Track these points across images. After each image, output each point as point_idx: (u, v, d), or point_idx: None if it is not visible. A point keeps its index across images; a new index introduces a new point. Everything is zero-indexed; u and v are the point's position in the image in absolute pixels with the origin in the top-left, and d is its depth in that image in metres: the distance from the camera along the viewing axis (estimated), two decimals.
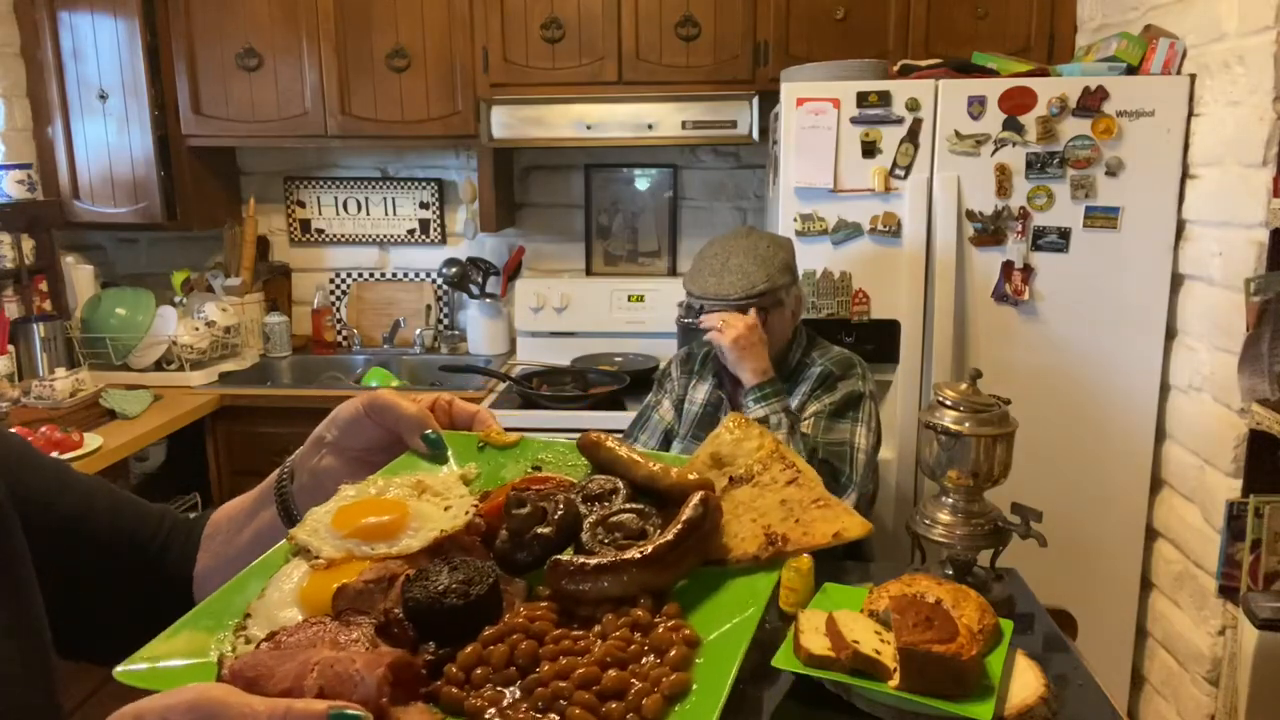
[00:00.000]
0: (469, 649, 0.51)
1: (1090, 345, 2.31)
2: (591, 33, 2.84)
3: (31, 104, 3.02)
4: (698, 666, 0.51)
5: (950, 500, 1.53)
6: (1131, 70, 2.26)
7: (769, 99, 2.67)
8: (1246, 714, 1.86)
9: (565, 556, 0.57)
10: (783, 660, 1.19)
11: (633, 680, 0.50)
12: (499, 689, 0.49)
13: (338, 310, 3.51)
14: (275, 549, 0.62)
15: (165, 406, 2.74)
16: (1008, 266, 2.31)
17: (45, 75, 2.97)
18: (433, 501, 0.65)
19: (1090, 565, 2.38)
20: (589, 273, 3.41)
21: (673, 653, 0.51)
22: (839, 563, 1.74)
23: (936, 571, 1.50)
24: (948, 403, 1.52)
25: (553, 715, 0.48)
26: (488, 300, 3.29)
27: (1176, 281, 2.26)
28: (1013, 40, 2.72)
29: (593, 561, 0.56)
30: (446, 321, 3.49)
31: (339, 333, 3.47)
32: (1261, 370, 1.86)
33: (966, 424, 1.49)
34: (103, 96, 2.97)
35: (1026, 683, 1.18)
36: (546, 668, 0.50)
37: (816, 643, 1.18)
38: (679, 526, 0.58)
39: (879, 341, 2.36)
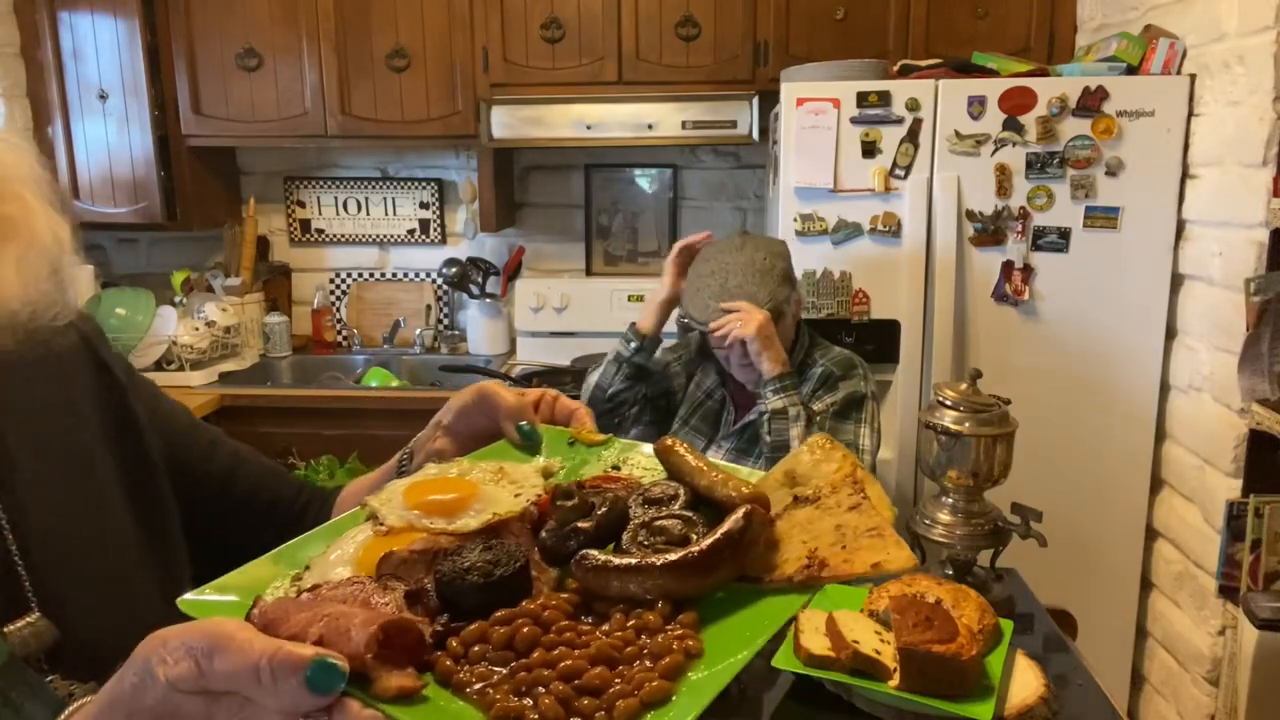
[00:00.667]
0: (474, 626, 0.53)
1: (1090, 345, 2.31)
2: (591, 33, 2.84)
3: (31, 104, 3.02)
4: (689, 680, 0.51)
5: (950, 500, 1.53)
6: (1131, 70, 2.26)
7: (769, 99, 2.67)
8: (1246, 714, 1.86)
9: (595, 552, 0.57)
10: (783, 660, 1.19)
11: (616, 680, 0.50)
12: (491, 667, 0.51)
13: (338, 310, 3.51)
14: (351, 513, 0.66)
15: None
16: (1008, 266, 2.31)
17: (45, 75, 2.96)
18: (507, 488, 0.68)
19: (1090, 565, 2.38)
20: (589, 273, 3.41)
21: (666, 660, 0.51)
22: None
23: (936, 571, 1.50)
24: (948, 403, 1.52)
25: (527, 700, 0.48)
26: (488, 300, 3.29)
27: (1176, 281, 2.26)
28: (1013, 40, 2.72)
29: (616, 561, 0.56)
30: (446, 321, 3.49)
31: (339, 333, 3.47)
32: (1261, 370, 1.86)
33: (966, 424, 1.49)
34: (103, 96, 2.97)
35: (1026, 683, 1.18)
36: (536, 654, 0.51)
37: (816, 643, 1.18)
38: (715, 538, 0.58)
39: (879, 341, 2.36)
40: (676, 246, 2.09)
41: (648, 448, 0.75)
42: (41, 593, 0.70)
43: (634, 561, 0.56)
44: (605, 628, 0.54)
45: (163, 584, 0.78)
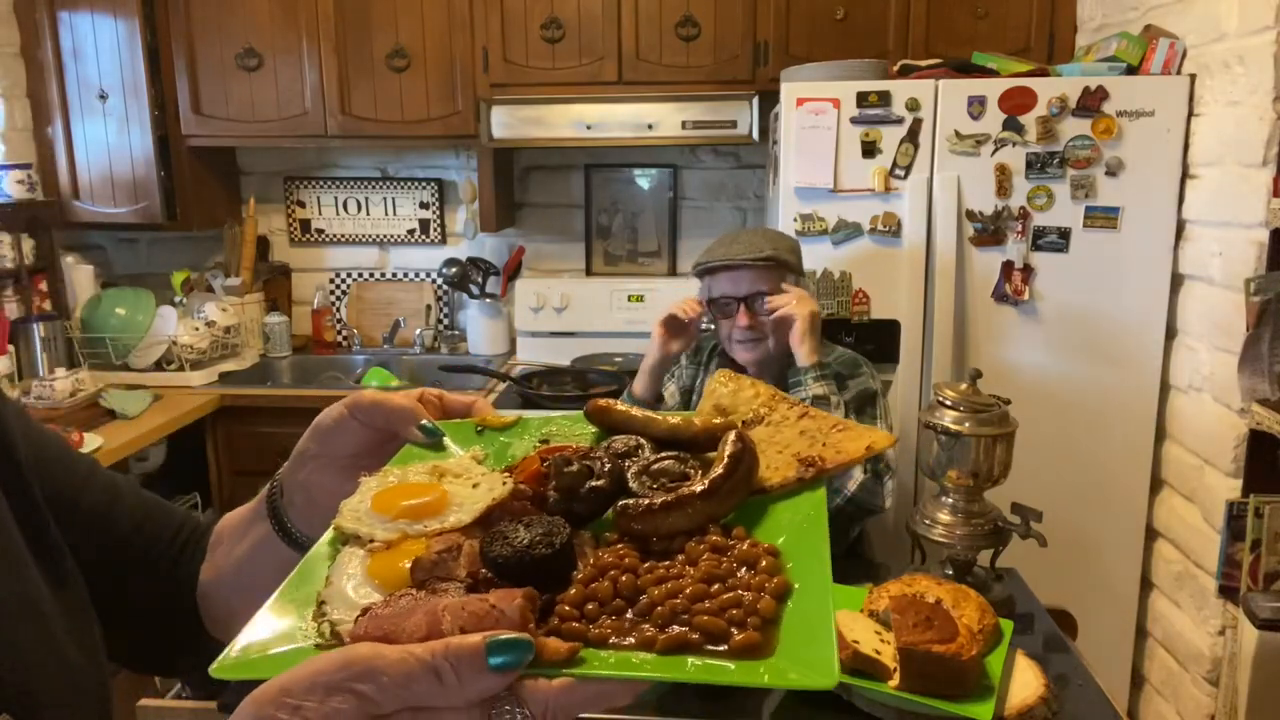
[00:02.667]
0: (572, 590, 0.54)
1: (1090, 345, 2.31)
2: (591, 33, 2.84)
3: (31, 104, 3.02)
4: (789, 569, 0.56)
5: (950, 500, 1.53)
6: (1131, 70, 2.26)
7: (769, 99, 2.67)
8: (1246, 714, 1.86)
9: (632, 500, 0.61)
10: None
11: (739, 591, 0.54)
12: (615, 619, 0.53)
13: (338, 310, 3.51)
14: (316, 546, 0.64)
15: (165, 406, 2.74)
16: (1008, 266, 2.31)
17: (45, 75, 2.96)
18: (457, 482, 0.67)
19: (1090, 565, 2.38)
20: (589, 273, 3.41)
21: (763, 563, 0.56)
22: (839, 563, 1.74)
23: (936, 571, 1.50)
24: (948, 403, 1.52)
25: (677, 629, 0.51)
26: (488, 300, 3.29)
27: (1176, 281, 2.26)
28: (1013, 40, 2.72)
29: (659, 499, 0.60)
30: (446, 321, 3.49)
31: (339, 333, 3.47)
32: (1261, 370, 1.86)
33: (966, 424, 1.49)
34: (103, 96, 2.97)
35: (1026, 683, 1.18)
36: (656, 591, 0.54)
37: None
38: (726, 460, 0.63)
39: (879, 341, 2.36)
40: (665, 314, 2.05)
41: (562, 417, 0.78)
42: None
43: (671, 498, 0.60)
44: (682, 558, 0.57)
45: (71, 632, 0.70)
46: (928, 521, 1.54)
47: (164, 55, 2.97)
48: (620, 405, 0.74)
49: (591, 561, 0.57)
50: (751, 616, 0.51)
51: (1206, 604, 2.07)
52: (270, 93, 2.99)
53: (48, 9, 2.91)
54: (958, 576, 1.48)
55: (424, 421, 0.73)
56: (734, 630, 0.51)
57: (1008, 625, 1.27)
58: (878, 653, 1.16)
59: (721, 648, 0.50)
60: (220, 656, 0.51)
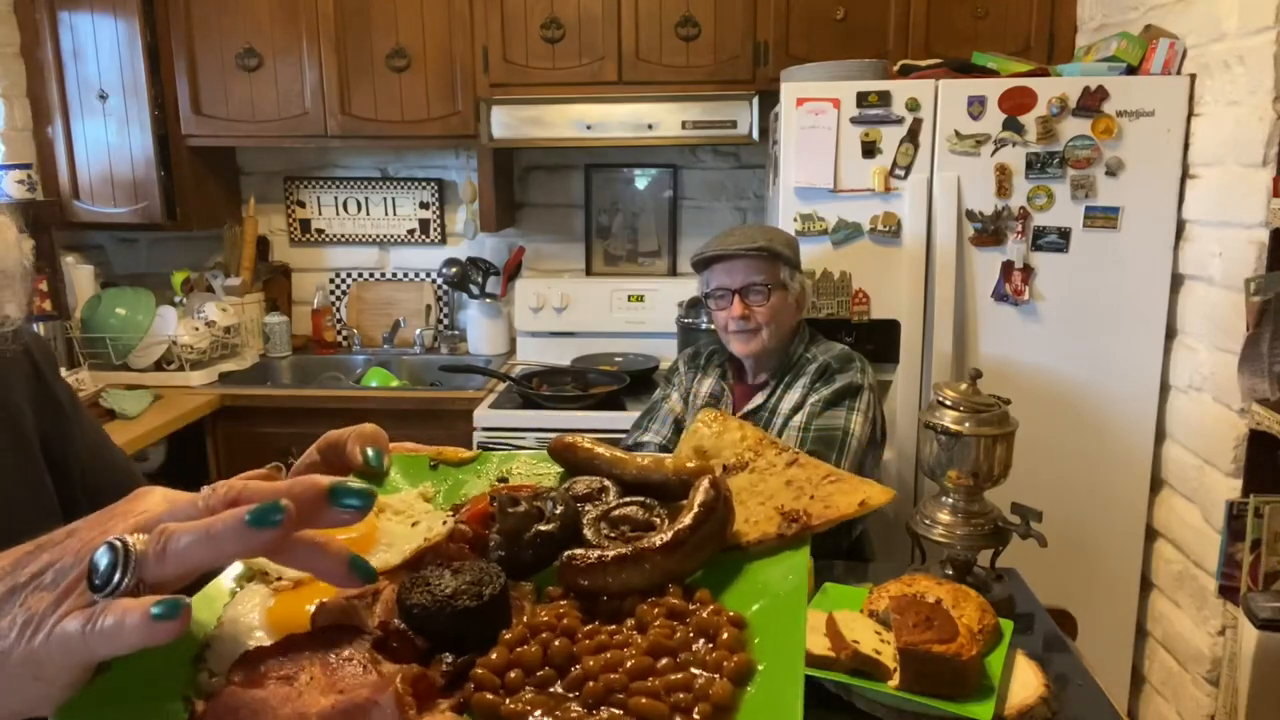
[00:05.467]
0: (494, 653, 0.47)
1: (1090, 345, 2.31)
2: (591, 33, 2.84)
3: (31, 104, 3.02)
4: (755, 645, 0.48)
5: (950, 500, 1.53)
6: (1131, 70, 2.26)
7: (769, 99, 2.67)
8: (1246, 714, 1.86)
9: (579, 551, 0.54)
10: None
11: (690, 668, 0.46)
12: (540, 692, 0.45)
13: (338, 310, 3.51)
14: (219, 577, 0.58)
15: (165, 406, 2.74)
16: (1008, 266, 2.31)
17: (45, 75, 2.96)
18: (396, 519, 0.61)
19: (1090, 565, 2.38)
20: (589, 273, 3.41)
21: (725, 635, 0.48)
22: (839, 563, 1.74)
23: (936, 571, 1.50)
24: (948, 403, 1.52)
25: (609, 710, 0.44)
26: (488, 300, 3.29)
27: (1176, 281, 2.26)
28: (1013, 40, 2.72)
29: (611, 553, 0.53)
30: (446, 321, 3.49)
31: (339, 333, 3.47)
32: (1261, 370, 1.86)
33: (966, 424, 1.49)
34: (103, 96, 2.97)
35: (1026, 683, 1.18)
36: (591, 662, 0.46)
37: (816, 643, 1.18)
38: (695, 510, 0.55)
39: (879, 341, 2.36)
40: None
41: (527, 454, 0.70)
42: None
43: (626, 551, 0.53)
44: (631, 623, 0.50)
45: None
46: (928, 521, 1.54)
47: (164, 55, 2.97)
48: (585, 442, 0.66)
49: (524, 619, 0.50)
50: (701, 702, 0.43)
51: (1206, 604, 2.08)
52: (270, 93, 2.99)
53: (48, 9, 2.91)
54: (958, 576, 1.48)
55: (370, 449, 0.66)
56: (678, 718, 0.43)
57: (1008, 625, 1.27)
58: (878, 653, 1.16)
59: None
60: (71, 698, 0.45)
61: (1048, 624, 1.49)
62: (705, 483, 0.57)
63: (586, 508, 0.60)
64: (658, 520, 0.58)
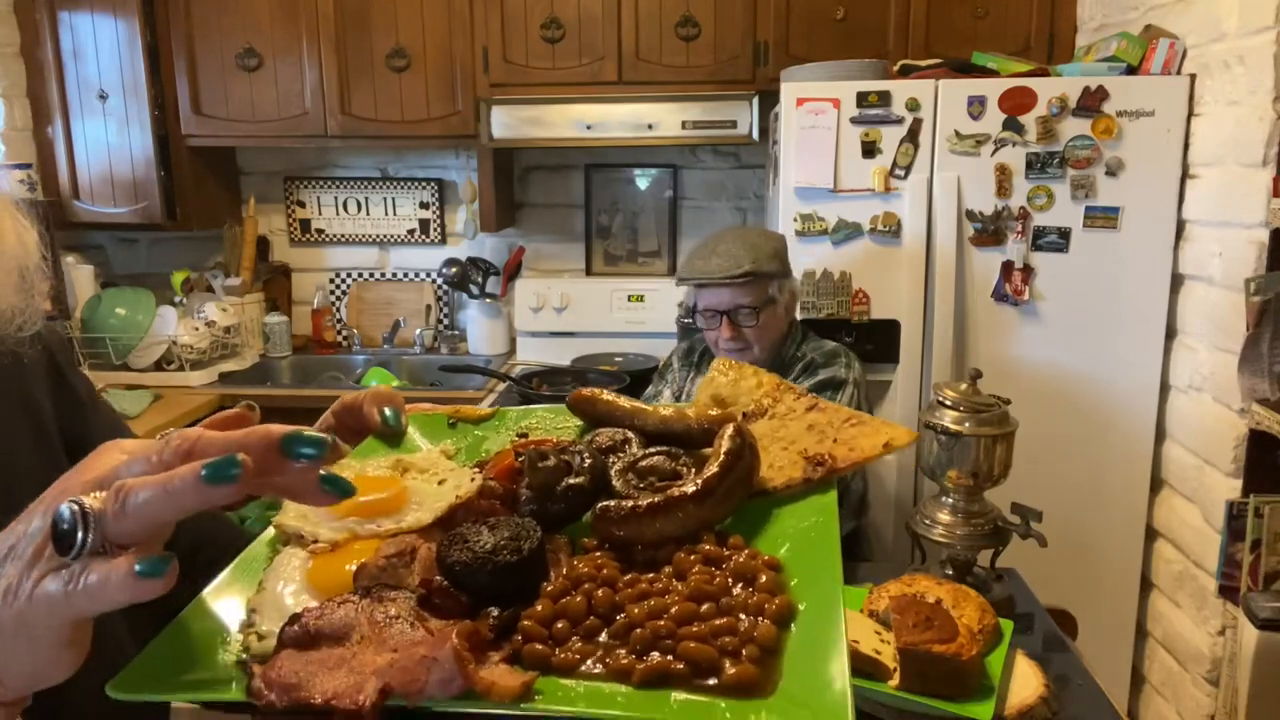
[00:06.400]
0: (539, 605, 0.48)
1: (1090, 345, 2.31)
2: (591, 33, 2.84)
3: (31, 104, 3.02)
4: (793, 587, 0.49)
5: (950, 500, 1.53)
6: (1131, 70, 2.26)
7: (769, 99, 2.67)
8: (1246, 714, 1.86)
9: (613, 502, 0.54)
10: None
11: (735, 613, 0.46)
12: (587, 641, 0.46)
13: (338, 310, 3.51)
14: (254, 544, 0.58)
15: (165, 406, 2.74)
16: (1008, 266, 2.31)
17: (45, 75, 2.96)
18: (422, 478, 0.62)
19: (1090, 565, 2.38)
20: (589, 273, 3.41)
21: (763, 578, 0.49)
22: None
23: (936, 571, 1.50)
24: (948, 403, 1.52)
25: (659, 656, 0.44)
26: (488, 300, 3.29)
27: (1176, 281, 2.26)
28: (1013, 40, 2.72)
29: (644, 502, 0.53)
30: (446, 321, 3.49)
31: (339, 333, 3.47)
32: (1261, 370, 1.86)
33: (966, 424, 1.49)
34: (103, 96, 2.97)
35: (1026, 683, 1.18)
36: (636, 610, 0.47)
37: None
38: (722, 457, 0.55)
39: (879, 341, 2.36)
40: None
41: (543, 409, 0.72)
42: None
43: (659, 500, 0.53)
44: (669, 570, 0.51)
45: (126, 616, 0.74)
46: (928, 521, 1.54)
47: (164, 55, 2.97)
48: (607, 394, 0.67)
49: (564, 572, 0.51)
50: (748, 645, 0.44)
51: (1206, 604, 2.07)
52: (270, 93, 2.99)
53: (48, 9, 2.91)
54: (958, 576, 1.48)
55: (388, 410, 0.69)
56: (727, 661, 0.44)
57: (1008, 625, 1.27)
58: (878, 653, 1.16)
59: (711, 681, 0.43)
60: (125, 669, 0.46)
61: (1048, 624, 1.49)
62: (730, 429, 0.57)
63: (612, 459, 0.61)
64: (684, 469, 0.59)
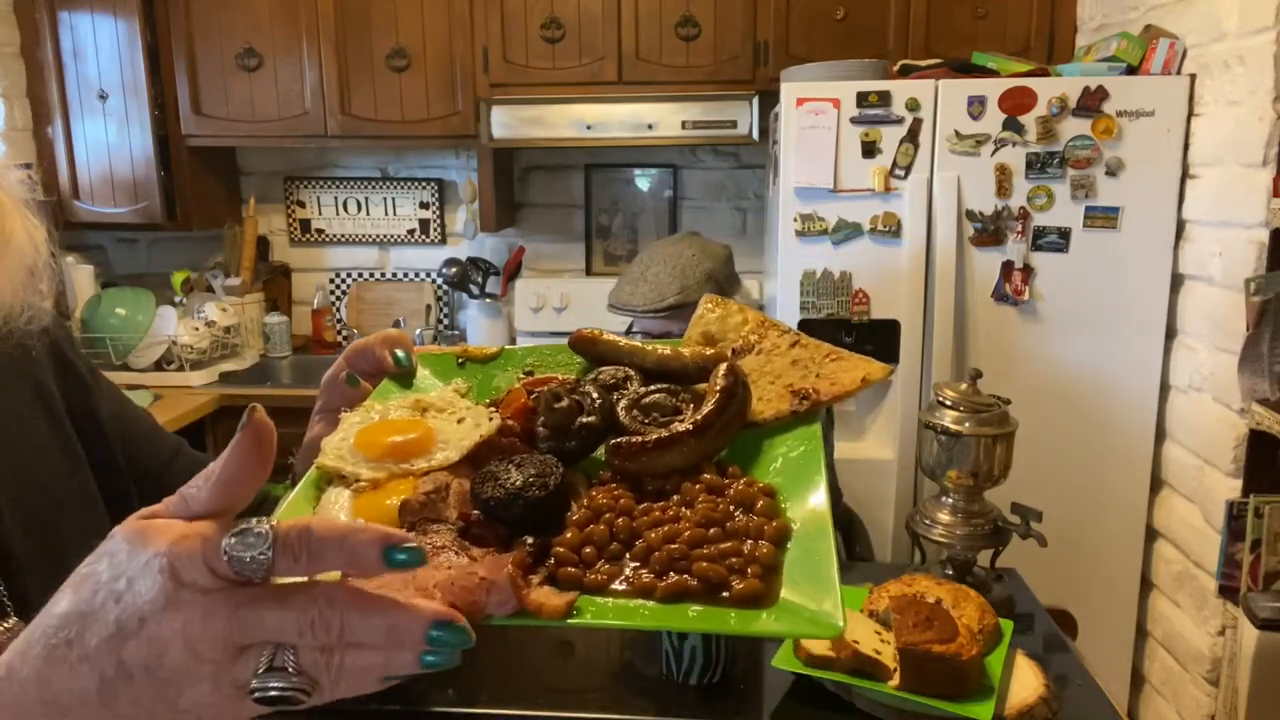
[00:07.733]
0: (568, 534, 0.53)
1: (1090, 345, 2.31)
2: (591, 33, 2.84)
3: (31, 104, 3.02)
4: (785, 510, 0.55)
5: (950, 500, 1.53)
6: (1131, 70, 2.26)
7: (769, 99, 2.67)
8: (1246, 714, 1.86)
9: (624, 439, 0.59)
10: (783, 660, 1.19)
11: (740, 533, 0.53)
12: (613, 564, 0.52)
13: (338, 310, 3.51)
14: (300, 485, 0.62)
15: (165, 406, 2.74)
16: (1008, 266, 2.31)
17: (45, 75, 2.97)
18: (441, 418, 0.65)
19: (1090, 565, 2.38)
20: (589, 273, 3.41)
21: (760, 504, 0.55)
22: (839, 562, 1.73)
23: (936, 571, 1.50)
24: (948, 403, 1.52)
25: (677, 576, 0.50)
26: (488, 300, 3.29)
27: (1176, 281, 2.26)
28: (1013, 40, 2.73)
29: (652, 437, 0.59)
30: (446, 321, 3.49)
31: (339, 333, 3.47)
32: (1261, 370, 1.86)
33: (966, 424, 1.49)
34: (103, 96, 2.97)
35: (1026, 683, 1.18)
36: (653, 535, 0.53)
37: (816, 643, 1.18)
38: (718, 395, 0.61)
39: (879, 341, 2.36)
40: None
41: (547, 347, 0.76)
42: (17, 597, 0.69)
43: (665, 434, 0.59)
44: (677, 499, 0.56)
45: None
46: (928, 521, 1.54)
47: (164, 55, 2.97)
48: (608, 335, 0.72)
49: (585, 503, 0.56)
50: (752, 564, 0.51)
51: (1206, 604, 2.08)
52: (270, 93, 2.99)
53: (48, 9, 2.91)
54: (958, 576, 1.48)
55: (398, 351, 0.72)
56: (734, 578, 0.50)
57: (1008, 625, 1.27)
58: (878, 653, 1.16)
59: (723, 595, 0.49)
60: None
61: (1048, 624, 1.49)
62: (723, 368, 0.63)
63: (617, 396, 0.65)
64: (683, 405, 0.64)
